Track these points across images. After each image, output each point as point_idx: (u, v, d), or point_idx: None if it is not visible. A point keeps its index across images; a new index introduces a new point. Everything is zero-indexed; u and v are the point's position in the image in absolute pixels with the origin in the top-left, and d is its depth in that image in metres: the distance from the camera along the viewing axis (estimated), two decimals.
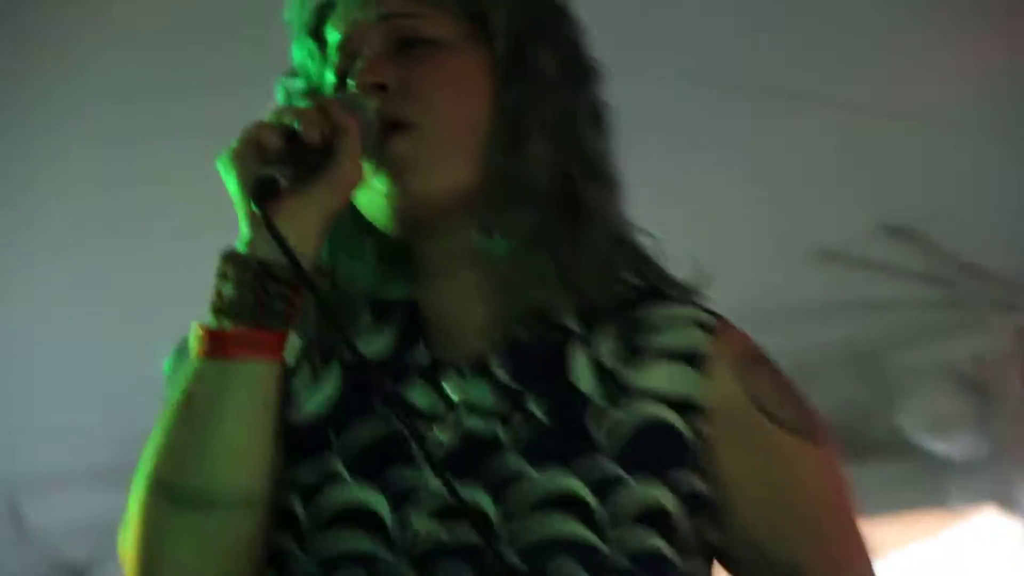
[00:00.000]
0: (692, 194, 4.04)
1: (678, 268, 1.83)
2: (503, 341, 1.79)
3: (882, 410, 4.47)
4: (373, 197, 1.82)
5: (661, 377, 1.76)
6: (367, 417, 1.77)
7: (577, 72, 1.86)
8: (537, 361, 1.78)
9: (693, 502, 1.73)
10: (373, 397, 1.77)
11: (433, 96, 1.79)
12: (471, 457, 1.73)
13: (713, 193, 4.05)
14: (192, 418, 1.68)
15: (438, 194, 1.78)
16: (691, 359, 1.76)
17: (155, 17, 3.39)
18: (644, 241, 1.84)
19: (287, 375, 1.81)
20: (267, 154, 1.69)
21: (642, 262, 1.84)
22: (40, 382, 4.05)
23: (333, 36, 1.85)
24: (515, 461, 1.73)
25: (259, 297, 1.68)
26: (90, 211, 3.80)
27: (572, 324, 1.79)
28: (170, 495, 1.66)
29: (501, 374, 1.78)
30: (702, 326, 1.78)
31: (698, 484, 1.74)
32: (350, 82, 1.80)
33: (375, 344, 1.82)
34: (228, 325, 1.68)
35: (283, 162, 1.71)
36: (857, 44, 3.73)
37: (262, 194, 1.68)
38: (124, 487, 1.71)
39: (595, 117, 1.85)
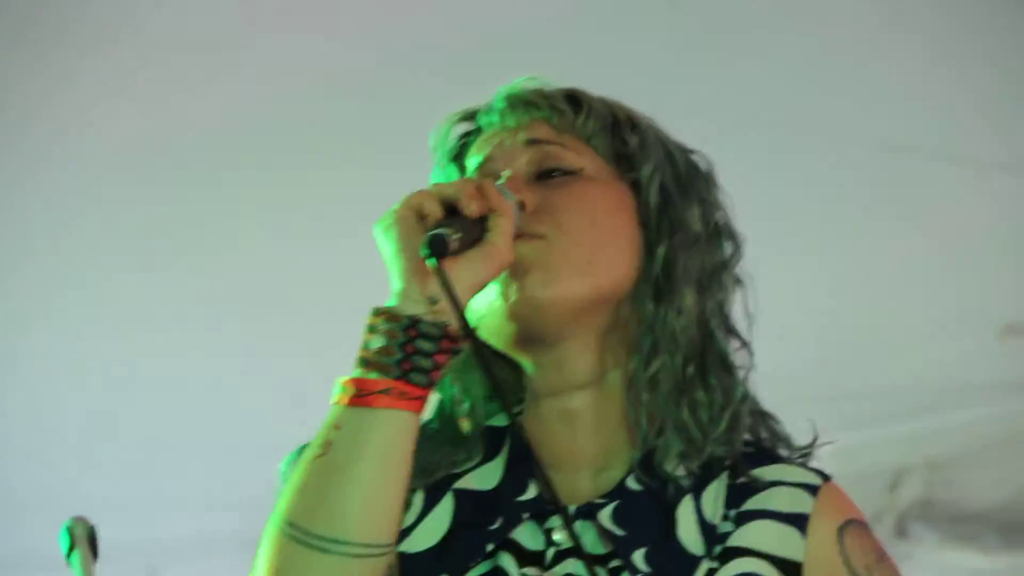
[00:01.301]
0: (877, 263, 4.03)
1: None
2: (612, 486, 1.82)
3: None
4: (491, 304, 1.84)
5: (767, 536, 1.80)
6: (478, 560, 1.81)
7: (719, 231, 1.91)
8: (645, 512, 1.81)
9: None
10: (484, 538, 1.81)
11: (566, 216, 1.83)
12: None
13: (898, 262, 4.03)
14: (329, 463, 1.69)
15: (558, 303, 1.81)
16: (796, 521, 1.80)
17: None
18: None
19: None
20: (426, 220, 1.74)
21: (760, 417, 1.89)
22: (173, 451, 4.16)
23: (475, 159, 1.90)
24: None
25: (407, 351, 1.71)
26: (228, 279, 3.91)
27: (683, 477, 1.82)
28: (301, 537, 1.68)
29: (609, 522, 1.80)
30: (808, 488, 1.82)
31: None
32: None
33: (489, 478, 1.85)
34: (375, 376, 1.70)
35: (445, 226, 1.74)
36: None
37: (436, 249, 1.71)
38: (252, 554, 1.73)
39: (732, 274, 1.91)
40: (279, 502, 1.71)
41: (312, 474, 1.70)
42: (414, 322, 1.71)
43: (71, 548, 1.74)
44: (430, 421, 1.88)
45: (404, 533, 1.82)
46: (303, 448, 1.77)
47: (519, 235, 1.80)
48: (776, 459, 1.86)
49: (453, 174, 1.92)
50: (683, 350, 1.84)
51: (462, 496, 1.84)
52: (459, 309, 1.70)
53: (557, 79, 1.94)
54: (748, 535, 1.80)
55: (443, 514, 1.83)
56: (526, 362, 1.86)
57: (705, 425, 1.82)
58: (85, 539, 1.74)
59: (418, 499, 1.85)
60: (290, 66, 3.51)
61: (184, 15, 3.41)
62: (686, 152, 1.94)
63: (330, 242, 3.58)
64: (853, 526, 1.82)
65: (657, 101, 1.96)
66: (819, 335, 3.95)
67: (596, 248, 1.83)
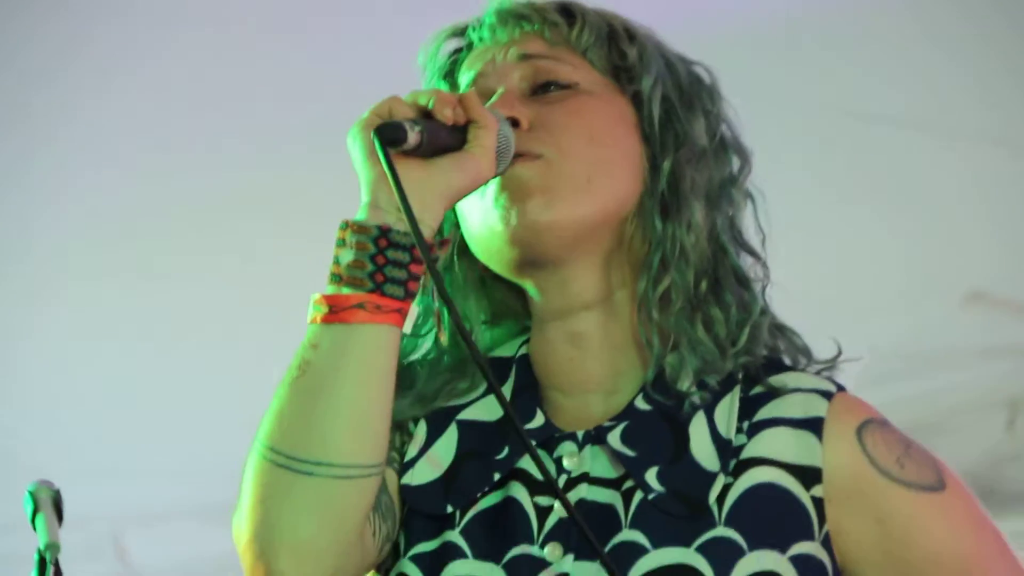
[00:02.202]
0: (843, 231, 4.03)
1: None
2: (621, 408, 1.79)
3: None
4: (491, 229, 1.79)
5: (781, 444, 1.76)
6: (486, 491, 1.79)
7: (726, 145, 1.88)
8: (656, 432, 1.77)
9: (811, 572, 1.74)
10: (491, 467, 1.79)
11: (564, 134, 1.79)
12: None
13: (865, 230, 4.03)
14: (309, 385, 1.66)
15: (560, 226, 1.78)
16: (811, 426, 1.76)
17: None
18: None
19: (402, 442, 1.82)
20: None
21: (779, 331, 1.85)
22: (143, 417, 4.15)
23: (467, 76, 1.84)
24: (633, 535, 1.74)
25: (378, 263, 1.67)
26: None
27: (694, 393, 1.78)
28: (284, 462, 1.65)
29: (619, 444, 1.77)
30: (821, 394, 1.78)
31: (816, 553, 1.75)
32: None
33: (493, 409, 1.82)
34: (347, 291, 1.66)
35: (407, 120, 1.68)
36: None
37: (386, 138, 1.65)
38: (228, 523, 1.71)
39: (742, 188, 1.87)
40: (260, 427, 1.68)
41: (291, 396, 1.67)
42: (384, 232, 1.67)
43: (35, 512, 1.72)
44: (429, 350, 1.84)
45: (407, 466, 1.80)
46: None
47: (517, 155, 1.76)
48: (788, 368, 1.82)
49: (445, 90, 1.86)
50: (694, 266, 1.80)
51: (466, 427, 1.81)
52: (406, 203, 1.65)
53: None
54: (762, 444, 1.76)
55: (447, 445, 1.81)
56: (529, 286, 1.82)
57: (723, 340, 1.78)
58: (50, 503, 1.72)
59: (421, 431, 1.82)
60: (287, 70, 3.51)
61: None
62: (688, 63, 1.89)
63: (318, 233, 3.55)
64: (872, 425, 1.78)
65: None
66: (781, 303, 3.95)
67: (597, 166, 1.79)
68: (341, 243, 1.68)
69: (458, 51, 1.89)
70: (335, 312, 1.66)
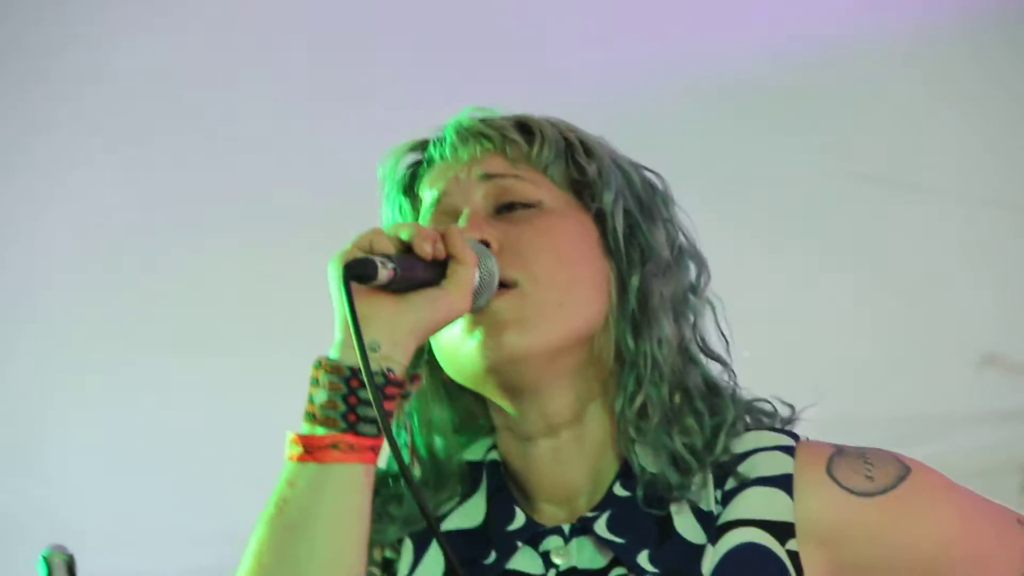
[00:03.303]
0: (855, 294, 4.04)
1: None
2: (601, 498, 1.82)
3: None
4: (468, 357, 1.81)
5: (754, 504, 1.80)
6: None
7: (684, 253, 1.90)
8: (640, 516, 1.80)
9: None
10: (483, 574, 1.80)
11: (535, 257, 1.81)
12: None
13: (876, 294, 4.04)
14: (285, 523, 1.68)
15: (535, 353, 1.80)
16: (781, 483, 1.80)
17: None
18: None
19: (389, 562, 1.84)
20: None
21: (751, 411, 1.88)
22: (157, 484, 4.15)
23: (430, 194, 1.85)
24: None
25: (351, 403, 1.68)
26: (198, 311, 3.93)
27: (676, 494, 1.80)
28: None
29: (606, 533, 1.79)
30: (784, 450, 1.82)
31: None
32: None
33: (473, 514, 1.84)
34: (321, 431, 1.68)
35: (380, 256, 1.69)
36: None
37: (356, 274, 1.66)
38: None
39: (703, 296, 1.90)
40: (240, 563, 1.70)
41: (269, 535, 1.69)
42: (355, 372, 1.68)
43: None
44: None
45: None
46: None
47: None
48: (745, 428, 1.85)
49: (404, 206, 1.89)
50: (668, 379, 1.82)
51: (450, 538, 1.82)
52: (359, 335, 1.66)
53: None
54: (737, 507, 1.79)
55: (435, 559, 1.82)
56: (507, 407, 1.84)
57: (700, 451, 1.81)
58: (64, 569, 1.73)
59: (407, 549, 1.84)
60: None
61: None
62: (640, 169, 1.91)
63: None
64: (835, 460, 1.82)
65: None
66: (792, 366, 3.95)
67: (567, 289, 1.81)
68: (315, 382, 1.70)
69: (416, 163, 1.91)
70: (309, 452, 1.68)
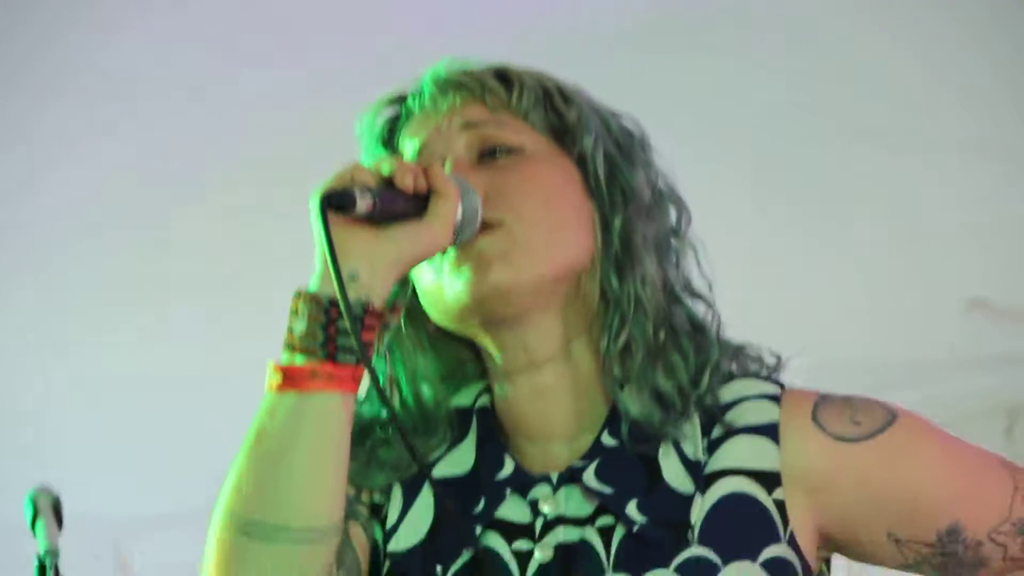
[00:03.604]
0: (842, 242, 4.05)
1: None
2: (588, 447, 1.82)
3: None
4: (454, 294, 1.81)
5: (741, 452, 1.80)
6: (468, 544, 1.80)
7: (663, 195, 1.91)
8: (628, 466, 1.80)
9: (782, 574, 1.77)
10: (470, 522, 1.81)
11: (519, 200, 1.81)
12: (567, 571, 1.78)
13: (863, 241, 4.05)
14: (265, 452, 1.68)
15: (521, 288, 1.80)
16: (767, 432, 1.81)
17: None
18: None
19: (379, 507, 1.84)
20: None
21: (737, 354, 1.88)
22: (144, 421, 4.17)
23: (411, 144, 1.85)
24: (611, 573, 1.77)
25: (330, 332, 1.69)
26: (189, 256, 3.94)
27: (661, 432, 1.80)
28: (245, 529, 1.68)
29: (594, 483, 1.80)
30: (769, 398, 1.83)
31: (784, 554, 1.78)
32: None
33: (462, 461, 1.84)
34: (300, 360, 1.69)
35: (360, 188, 1.69)
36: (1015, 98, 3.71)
37: (334, 204, 1.66)
38: None
39: (684, 238, 1.91)
40: (220, 493, 1.70)
41: (249, 464, 1.69)
42: (334, 302, 1.68)
43: (35, 517, 1.73)
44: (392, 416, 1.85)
45: (389, 533, 1.82)
46: None
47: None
48: (730, 376, 1.86)
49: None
50: (652, 318, 1.82)
51: (439, 485, 1.83)
52: (336, 264, 1.67)
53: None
54: (723, 456, 1.80)
55: (425, 506, 1.83)
56: (489, 344, 1.84)
57: (685, 385, 1.81)
58: (50, 509, 1.73)
59: (397, 496, 1.84)
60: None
61: None
62: (617, 117, 1.92)
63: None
64: (820, 407, 1.82)
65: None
66: (779, 314, 3.96)
67: (553, 229, 1.81)
68: (294, 312, 1.70)
69: (395, 119, 1.91)
70: (289, 381, 1.68)
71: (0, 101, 3.62)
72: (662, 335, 1.83)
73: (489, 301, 1.79)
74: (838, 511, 1.80)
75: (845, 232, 4.02)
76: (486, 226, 1.79)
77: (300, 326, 1.69)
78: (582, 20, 3.52)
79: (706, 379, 1.82)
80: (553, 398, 1.83)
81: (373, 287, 1.70)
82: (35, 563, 1.69)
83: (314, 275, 1.71)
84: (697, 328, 1.86)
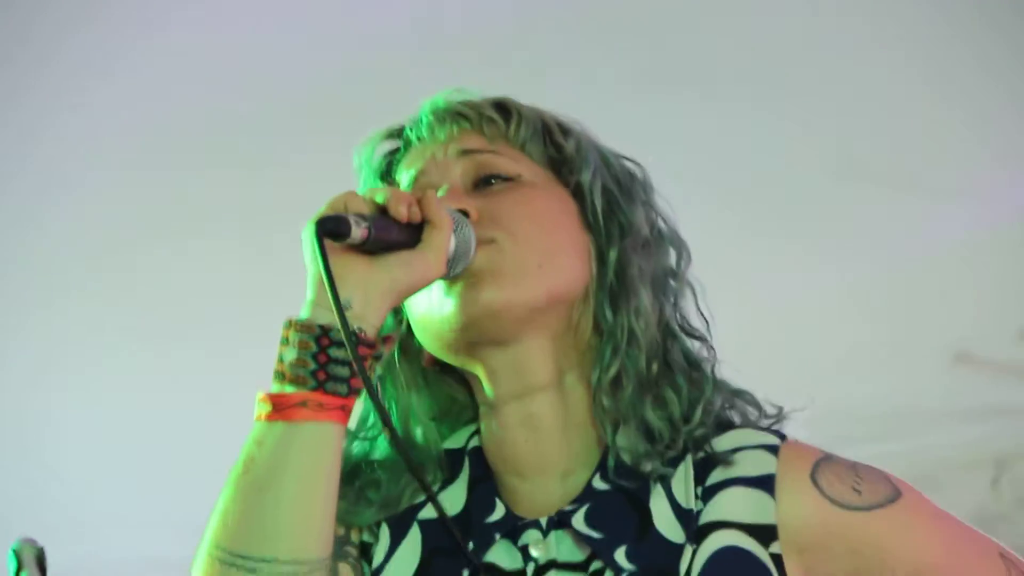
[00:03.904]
0: (830, 290, 4.05)
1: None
2: (580, 490, 1.80)
3: (1016, 517, 4.44)
4: (444, 315, 1.79)
5: (736, 505, 1.77)
6: None
7: (664, 237, 1.90)
8: (619, 511, 1.77)
9: None
10: (458, 565, 1.79)
11: (512, 221, 1.80)
12: None
13: (851, 290, 4.05)
14: (251, 482, 1.66)
15: (512, 308, 1.78)
16: (763, 484, 1.77)
17: None
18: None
19: (366, 546, 1.82)
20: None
21: (735, 398, 1.86)
22: (106, 470, 4.16)
23: (407, 174, 1.85)
24: None
25: (320, 361, 1.67)
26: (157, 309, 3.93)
27: (649, 470, 1.78)
28: (228, 559, 1.65)
29: (584, 527, 1.77)
30: (768, 449, 1.79)
31: None
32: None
33: (453, 503, 1.82)
34: (290, 390, 1.66)
35: (356, 215, 1.67)
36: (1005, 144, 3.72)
37: (327, 230, 1.65)
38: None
39: (683, 279, 1.90)
40: (207, 524, 1.68)
41: (236, 494, 1.67)
42: (326, 331, 1.67)
43: (18, 570, 1.72)
44: (387, 451, 1.84)
45: (375, 573, 1.80)
46: None
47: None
48: (730, 426, 1.83)
49: None
50: (645, 351, 1.81)
51: (428, 526, 1.81)
52: (334, 290, 1.65)
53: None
54: (719, 507, 1.77)
55: (412, 547, 1.81)
56: (480, 370, 1.82)
57: (676, 420, 1.79)
58: (33, 561, 1.72)
59: (384, 535, 1.82)
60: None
61: None
62: (619, 157, 1.91)
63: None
64: (821, 466, 1.79)
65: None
66: (769, 361, 3.96)
67: (546, 252, 1.80)
68: (285, 341, 1.68)
69: (394, 152, 1.91)
70: (278, 410, 1.67)
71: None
72: (655, 368, 1.81)
73: (480, 322, 1.77)
74: (825, 574, 1.77)
75: (832, 283, 4.02)
76: (479, 243, 1.78)
77: (290, 355, 1.67)
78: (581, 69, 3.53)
79: (698, 415, 1.80)
80: (545, 430, 1.81)
81: (366, 316, 1.69)
82: None
83: (305, 303, 1.69)
84: (692, 365, 1.84)
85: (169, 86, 3.53)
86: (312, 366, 1.67)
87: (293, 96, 3.57)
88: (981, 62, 3.62)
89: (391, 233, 1.69)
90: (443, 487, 1.83)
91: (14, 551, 1.72)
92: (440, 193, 1.80)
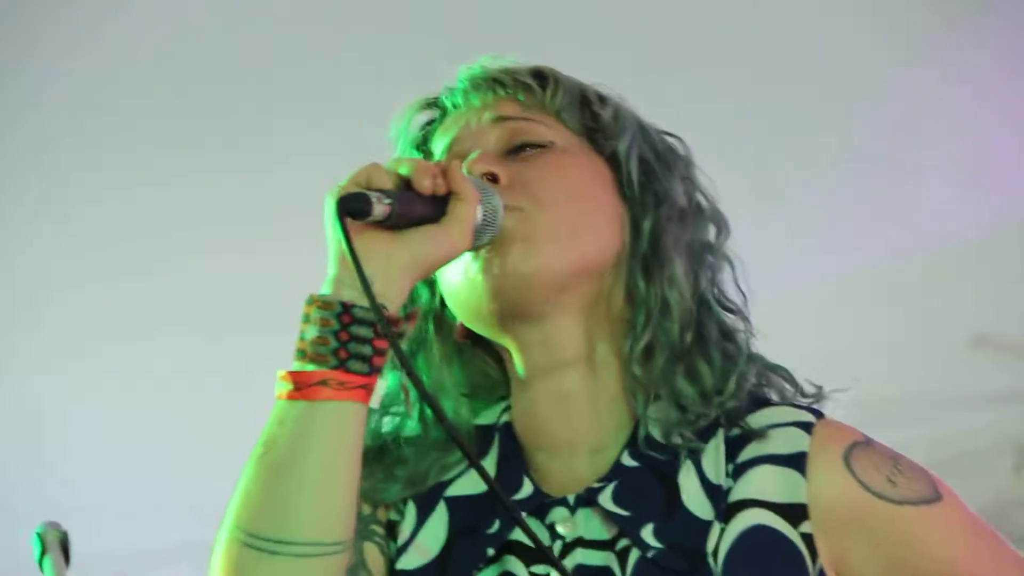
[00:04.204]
0: (846, 277, 4.04)
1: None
2: (608, 467, 1.78)
3: None
4: (472, 282, 1.77)
5: (766, 483, 1.76)
6: (481, 567, 1.77)
7: (703, 211, 1.89)
8: (647, 488, 1.77)
9: None
10: (484, 543, 1.78)
11: (545, 190, 1.78)
12: None
13: (866, 274, 4.05)
14: (273, 462, 1.65)
15: (541, 275, 1.77)
16: (794, 462, 1.76)
17: None
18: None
19: (392, 524, 1.81)
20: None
21: (770, 372, 1.85)
22: (146, 458, 4.17)
23: (442, 141, 1.84)
24: None
25: (342, 339, 1.65)
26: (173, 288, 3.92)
27: (680, 444, 1.76)
28: (249, 540, 1.64)
29: (611, 505, 1.76)
30: (802, 426, 1.78)
31: None
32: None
33: (480, 480, 1.80)
34: (311, 368, 1.65)
35: (377, 191, 1.66)
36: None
37: (348, 209, 1.63)
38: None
39: (720, 253, 1.88)
40: (228, 504, 1.67)
41: (257, 474, 1.66)
42: (347, 308, 1.65)
43: (43, 554, 1.74)
44: (414, 427, 1.83)
45: (401, 550, 1.79)
46: None
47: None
48: (766, 403, 1.82)
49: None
50: (678, 320, 1.80)
51: (455, 503, 1.80)
52: (361, 274, 1.63)
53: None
54: (748, 485, 1.76)
55: (438, 525, 1.80)
56: (511, 344, 1.81)
57: (708, 390, 1.77)
58: (57, 545, 1.74)
59: (411, 513, 1.81)
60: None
61: None
62: (660, 132, 1.90)
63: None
64: (857, 448, 1.78)
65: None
66: (787, 342, 3.96)
67: (577, 218, 1.78)
68: (306, 319, 1.66)
69: (430, 123, 1.90)
70: (299, 389, 1.65)
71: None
72: (688, 339, 1.79)
73: (509, 290, 1.76)
74: (847, 560, 1.75)
75: (848, 266, 4.01)
76: (507, 208, 1.76)
77: (311, 332, 1.66)
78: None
79: (731, 387, 1.78)
80: (575, 405, 1.80)
81: (387, 294, 1.67)
82: None
83: (327, 279, 1.68)
84: (727, 337, 1.83)
85: None
86: (333, 344, 1.65)
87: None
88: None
89: (415, 208, 1.67)
90: (470, 466, 1.81)
91: (38, 535, 1.74)
92: (472, 156, 1.79)
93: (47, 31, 3.48)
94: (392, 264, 1.67)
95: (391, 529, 1.82)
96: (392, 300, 1.67)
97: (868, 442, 1.79)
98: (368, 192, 1.64)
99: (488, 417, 1.85)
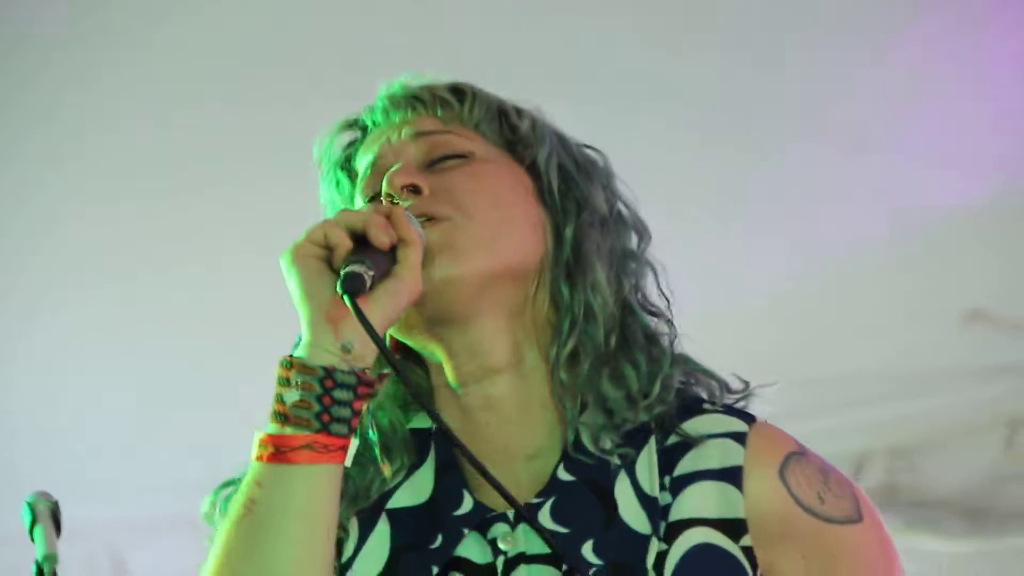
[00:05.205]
0: (840, 249, 4.05)
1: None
2: (546, 478, 1.80)
3: None
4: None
5: (705, 500, 1.78)
6: None
7: (623, 218, 1.91)
8: (584, 503, 1.78)
9: None
10: (429, 561, 1.78)
11: (464, 196, 1.82)
12: None
13: (862, 249, 4.05)
14: (255, 523, 1.67)
15: (465, 280, 1.79)
16: (730, 477, 1.78)
17: None
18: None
19: (339, 543, 1.80)
20: (335, 252, 1.72)
21: (695, 375, 1.86)
22: (142, 429, 4.18)
23: (364, 159, 1.86)
24: None
25: (325, 403, 1.68)
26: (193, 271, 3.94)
27: (612, 452, 1.78)
28: None
29: (550, 523, 1.77)
30: (735, 437, 1.80)
31: None
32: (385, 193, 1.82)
33: (420, 489, 1.82)
34: (291, 431, 1.67)
35: (357, 262, 1.70)
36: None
37: (350, 290, 1.68)
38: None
39: (642, 260, 1.90)
40: (207, 562, 1.69)
41: (238, 534, 1.68)
42: (329, 372, 1.68)
43: (33, 523, 1.73)
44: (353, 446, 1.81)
45: (344, 568, 1.80)
46: (228, 483, 1.79)
47: (422, 220, 1.79)
48: (699, 409, 1.83)
49: (343, 181, 1.90)
50: (602, 325, 1.82)
51: (396, 516, 1.81)
52: (383, 349, 1.68)
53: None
54: (688, 503, 1.78)
55: (380, 540, 1.81)
56: (440, 352, 1.83)
57: (634, 394, 1.80)
58: (48, 515, 1.73)
59: (353, 530, 1.82)
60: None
61: None
62: (580, 144, 1.93)
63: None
64: (791, 461, 1.81)
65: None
66: (782, 321, 3.97)
67: (499, 225, 1.81)
68: (285, 382, 1.68)
69: (352, 143, 1.92)
70: (281, 452, 1.67)
71: None
72: (612, 343, 1.82)
73: (437, 294, 1.78)
74: (778, 569, 1.77)
75: (843, 242, 4.02)
76: (432, 219, 1.79)
77: (292, 396, 1.68)
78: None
79: (656, 390, 1.80)
80: (504, 411, 1.82)
81: (365, 356, 1.70)
82: (33, 569, 1.68)
83: (303, 344, 1.70)
84: (651, 340, 1.85)
85: None
86: (316, 408, 1.68)
87: None
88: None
89: (381, 267, 1.71)
90: (410, 472, 1.83)
91: (28, 504, 1.73)
92: (393, 168, 1.82)
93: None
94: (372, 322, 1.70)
95: (338, 547, 1.82)
96: (368, 362, 1.71)
97: (802, 453, 1.81)
98: (357, 270, 1.68)
99: (423, 421, 1.86)
